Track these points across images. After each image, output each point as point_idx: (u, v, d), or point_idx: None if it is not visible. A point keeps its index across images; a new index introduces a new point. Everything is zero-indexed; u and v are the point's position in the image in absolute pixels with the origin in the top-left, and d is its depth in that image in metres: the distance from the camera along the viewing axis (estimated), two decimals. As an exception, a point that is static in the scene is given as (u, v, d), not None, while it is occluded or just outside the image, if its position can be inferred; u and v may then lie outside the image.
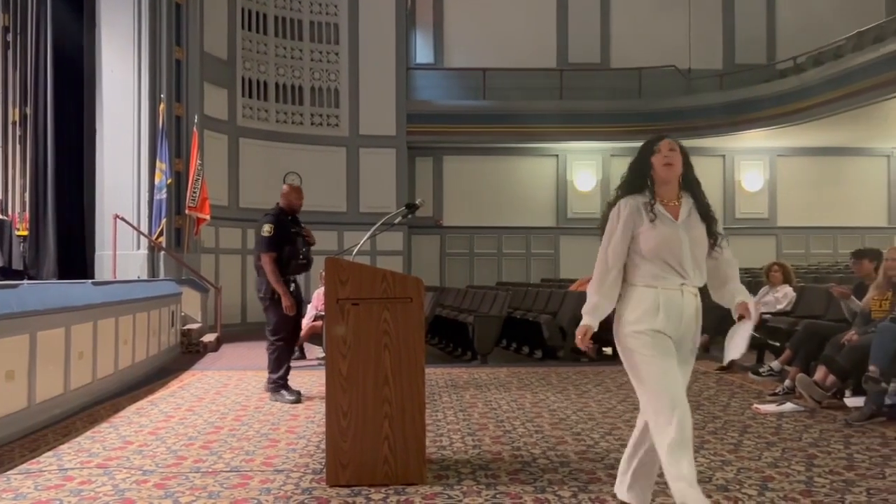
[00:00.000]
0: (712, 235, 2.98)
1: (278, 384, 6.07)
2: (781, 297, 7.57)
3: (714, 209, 3.04)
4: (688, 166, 3.04)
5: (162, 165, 11.19)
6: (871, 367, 4.94)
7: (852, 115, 13.89)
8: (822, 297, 7.09)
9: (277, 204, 6.24)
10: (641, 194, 3.01)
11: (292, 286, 6.12)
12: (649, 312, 2.90)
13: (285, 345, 6.15)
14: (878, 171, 17.67)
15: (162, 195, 11.17)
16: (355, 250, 4.38)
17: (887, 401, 5.02)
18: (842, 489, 3.51)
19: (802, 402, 5.50)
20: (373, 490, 3.54)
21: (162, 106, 11.37)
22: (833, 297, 6.52)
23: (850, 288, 6.25)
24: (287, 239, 6.04)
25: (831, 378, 5.43)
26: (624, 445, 4.39)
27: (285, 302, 5.94)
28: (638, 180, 3.04)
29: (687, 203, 3.01)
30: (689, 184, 3.05)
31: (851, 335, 5.47)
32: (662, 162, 2.99)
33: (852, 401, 5.47)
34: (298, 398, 5.97)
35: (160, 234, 11.20)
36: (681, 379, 2.91)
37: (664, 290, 2.92)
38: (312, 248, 6.35)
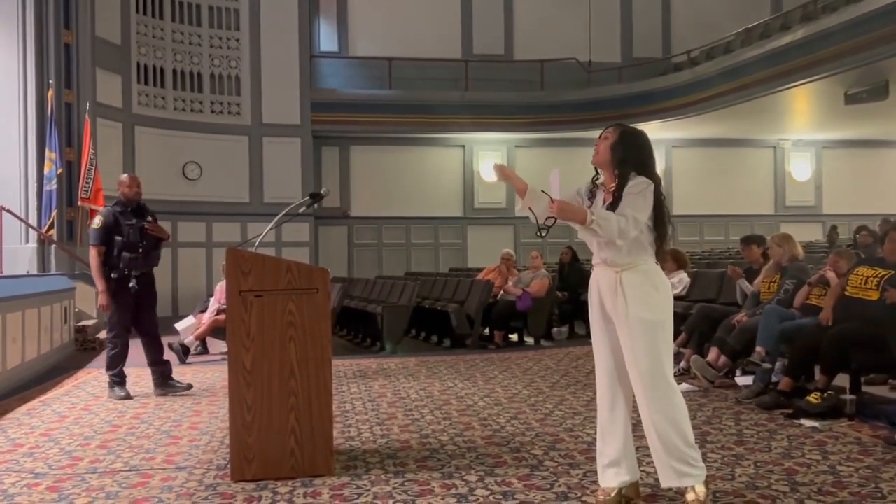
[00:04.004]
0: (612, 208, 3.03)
1: (113, 381, 5.91)
2: (677, 282, 7.86)
3: (631, 185, 3.02)
4: (622, 150, 3.09)
5: (52, 155, 10.65)
6: (758, 348, 5.22)
7: (742, 107, 14.57)
8: (715, 281, 7.43)
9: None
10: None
11: (132, 282, 5.85)
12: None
13: (123, 341, 5.94)
14: (765, 161, 18.62)
15: (52, 186, 10.63)
16: (257, 241, 4.29)
17: (774, 378, 5.33)
18: (732, 463, 3.70)
19: (697, 383, 5.76)
20: (279, 483, 3.50)
21: (50, 92, 10.80)
22: (725, 282, 6.86)
23: (743, 270, 6.59)
24: (119, 231, 5.85)
25: (723, 359, 5.69)
26: (529, 429, 4.51)
27: (101, 299, 5.83)
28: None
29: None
30: (619, 166, 3.09)
31: (741, 316, 5.76)
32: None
33: (742, 379, 5.75)
34: (128, 395, 5.85)
35: (50, 226, 10.66)
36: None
37: (594, 267, 3.19)
38: (166, 242, 6.30)
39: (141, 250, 5.89)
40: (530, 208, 3.07)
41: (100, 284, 5.83)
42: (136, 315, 6.00)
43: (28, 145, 10.90)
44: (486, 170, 17.23)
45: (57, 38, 11.13)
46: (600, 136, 3.19)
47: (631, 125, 3.31)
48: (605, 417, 3.19)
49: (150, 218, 6.08)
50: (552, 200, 2.94)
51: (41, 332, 7.45)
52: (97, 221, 5.89)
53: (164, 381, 6.03)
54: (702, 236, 18.10)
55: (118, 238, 5.83)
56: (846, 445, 3.98)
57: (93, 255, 5.83)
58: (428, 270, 15.67)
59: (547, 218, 3.02)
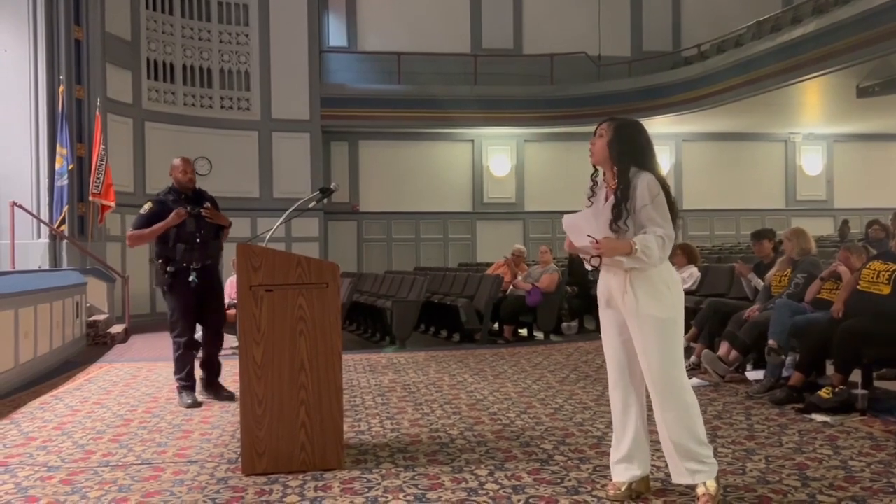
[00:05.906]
0: (614, 211, 2.99)
1: (181, 385, 5.36)
2: (687, 276, 7.84)
3: (641, 189, 2.97)
4: (618, 146, 3.04)
5: (63, 150, 10.72)
6: (770, 342, 5.20)
7: (753, 101, 14.49)
8: (725, 276, 7.40)
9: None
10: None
11: (192, 276, 5.27)
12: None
13: (186, 340, 5.37)
14: (776, 155, 18.52)
15: (63, 181, 10.71)
16: (268, 236, 4.30)
17: (784, 373, 5.31)
18: (743, 458, 3.69)
19: (707, 378, 5.74)
20: (290, 477, 3.51)
21: (61, 88, 10.87)
22: (735, 276, 6.83)
23: (751, 267, 6.56)
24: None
25: (734, 353, 5.67)
26: (539, 424, 4.51)
27: (175, 218, 5.20)
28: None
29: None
30: (618, 163, 3.05)
31: (753, 309, 5.73)
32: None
33: (753, 374, 5.74)
34: (196, 402, 5.27)
35: (62, 221, 10.74)
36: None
37: (602, 266, 3.12)
38: (229, 230, 5.61)
39: (198, 240, 5.29)
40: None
41: (157, 228, 5.23)
42: (202, 312, 5.42)
43: (39, 141, 10.97)
44: (495, 164, 17.22)
45: (67, 34, 11.18)
46: (595, 134, 3.13)
47: (626, 116, 3.28)
48: (617, 414, 3.18)
49: (207, 204, 5.44)
50: (596, 241, 2.93)
51: (53, 326, 7.50)
52: (145, 207, 5.35)
53: (208, 383, 5.50)
54: (712, 231, 18.04)
55: (172, 228, 5.24)
56: (858, 440, 3.96)
57: (133, 237, 5.36)
58: (437, 265, 15.68)
59: (592, 257, 3.05)
